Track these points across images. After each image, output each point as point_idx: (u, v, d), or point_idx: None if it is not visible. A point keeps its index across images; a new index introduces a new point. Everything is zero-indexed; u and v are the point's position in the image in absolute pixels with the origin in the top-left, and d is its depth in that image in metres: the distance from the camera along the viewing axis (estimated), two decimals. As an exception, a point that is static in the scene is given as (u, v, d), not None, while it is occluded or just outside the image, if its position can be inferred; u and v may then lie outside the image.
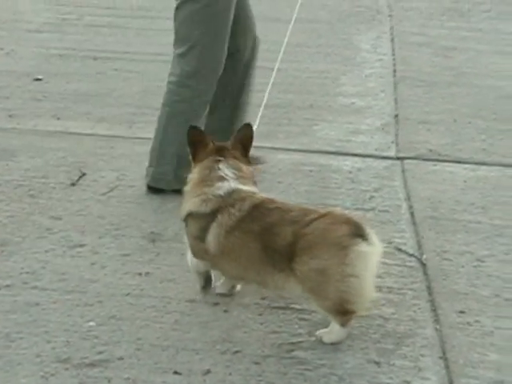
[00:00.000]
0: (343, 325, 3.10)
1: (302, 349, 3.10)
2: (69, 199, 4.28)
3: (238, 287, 3.44)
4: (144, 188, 4.39)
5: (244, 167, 3.37)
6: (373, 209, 4.31)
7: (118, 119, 5.52)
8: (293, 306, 3.36)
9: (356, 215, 3.27)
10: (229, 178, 3.27)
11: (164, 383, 2.88)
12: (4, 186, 4.40)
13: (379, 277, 3.59)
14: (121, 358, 3.00)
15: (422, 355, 3.09)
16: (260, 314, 3.30)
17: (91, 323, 3.21)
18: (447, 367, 3.03)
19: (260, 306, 3.36)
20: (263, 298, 3.40)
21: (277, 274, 3.09)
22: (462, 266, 3.75)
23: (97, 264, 3.65)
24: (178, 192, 3.61)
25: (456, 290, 3.55)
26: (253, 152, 3.54)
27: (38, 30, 7.78)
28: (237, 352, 3.06)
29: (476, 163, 4.99)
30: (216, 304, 3.37)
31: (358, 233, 3.00)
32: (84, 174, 4.57)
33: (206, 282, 3.46)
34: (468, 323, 3.31)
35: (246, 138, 3.44)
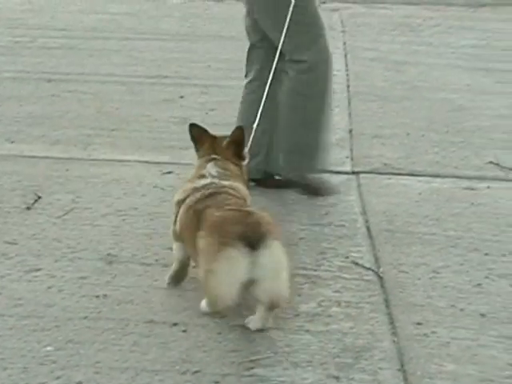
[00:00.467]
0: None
1: (261, 366, 3.10)
2: (24, 223, 4.24)
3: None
4: (100, 210, 4.38)
5: (232, 167, 3.67)
6: (329, 224, 4.34)
7: (73, 141, 5.49)
8: (251, 323, 3.37)
9: (275, 225, 3.31)
10: (209, 176, 3.58)
11: (124, 406, 2.87)
12: (-42, 212, 4.35)
13: (337, 291, 3.64)
14: (79, 383, 2.97)
15: (381, 368, 3.12)
16: (219, 333, 3.30)
17: (49, 348, 3.17)
18: (406, 379, 3.06)
19: (219, 325, 3.36)
20: (222, 317, 3.40)
21: None
22: (419, 278, 3.80)
23: (53, 288, 3.62)
24: None
25: (413, 302, 3.59)
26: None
27: (-9, 54, 7.73)
28: (196, 372, 3.06)
29: (430, 175, 5.05)
30: (175, 324, 3.36)
31: (247, 239, 3.07)
32: (39, 198, 4.53)
33: (178, 272, 3.62)
34: (425, 335, 3.34)
35: (237, 140, 3.72)
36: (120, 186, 4.74)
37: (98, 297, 3.56)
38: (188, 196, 3.52)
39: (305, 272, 3.81)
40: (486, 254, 4.03)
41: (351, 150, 5.47)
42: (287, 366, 3.11)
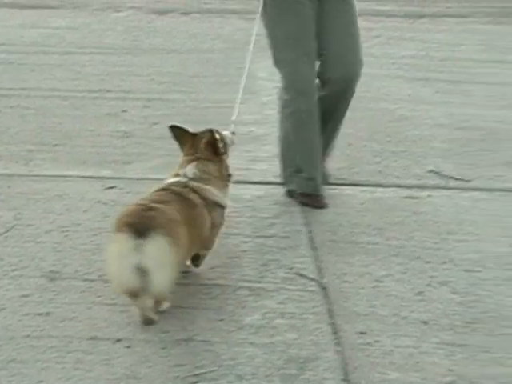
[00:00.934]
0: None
1: (206, 380, 3.10)
2: (-36, 242, 4.18)
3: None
4: (43, 226, 4.34)
5: (212, 167, 3.84)
6: (273, 235, 4.36)
7: (15, 157, 5.43)
8: (195, 337, 3.37)
9: (175, 224, 3.43)
10: (183, 176, 3.74)
11: (67, 425, 2.84)
12: None
13: (281, 303, 3.66)
14: (22, 402, 2.95)
15: (325, 378, 3.14)
16: (163, 348, 3.29)
17: (-10, 368, 3.14)
18: (350, 388, 3.09)
19: (162, 340, 3.35)
20: (166, 332, 3.39)
21: None
22: (362, 288, 3.84)
23: (-5, 307, 3.58)
24: None
25: (356, 312, 3.63)
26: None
27: None
28: (141, 388, 3.05)
29: (372, 185, 5.11)
30: (118, 340, 3.34)
31: (134, 226, 3.32)
32: (-20, 215, 4.48)
33: None
34: (369, 344, 3.38)
35: (210, 141, 3.87)
36: (63, 201, 4.70)
37: (40, 314, 3.52)
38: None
39: (249, 284, 3.82)
40: (428, 262, 4.09)
41: (294, 161, 5.48)
42: (232, 379, 3.11)
